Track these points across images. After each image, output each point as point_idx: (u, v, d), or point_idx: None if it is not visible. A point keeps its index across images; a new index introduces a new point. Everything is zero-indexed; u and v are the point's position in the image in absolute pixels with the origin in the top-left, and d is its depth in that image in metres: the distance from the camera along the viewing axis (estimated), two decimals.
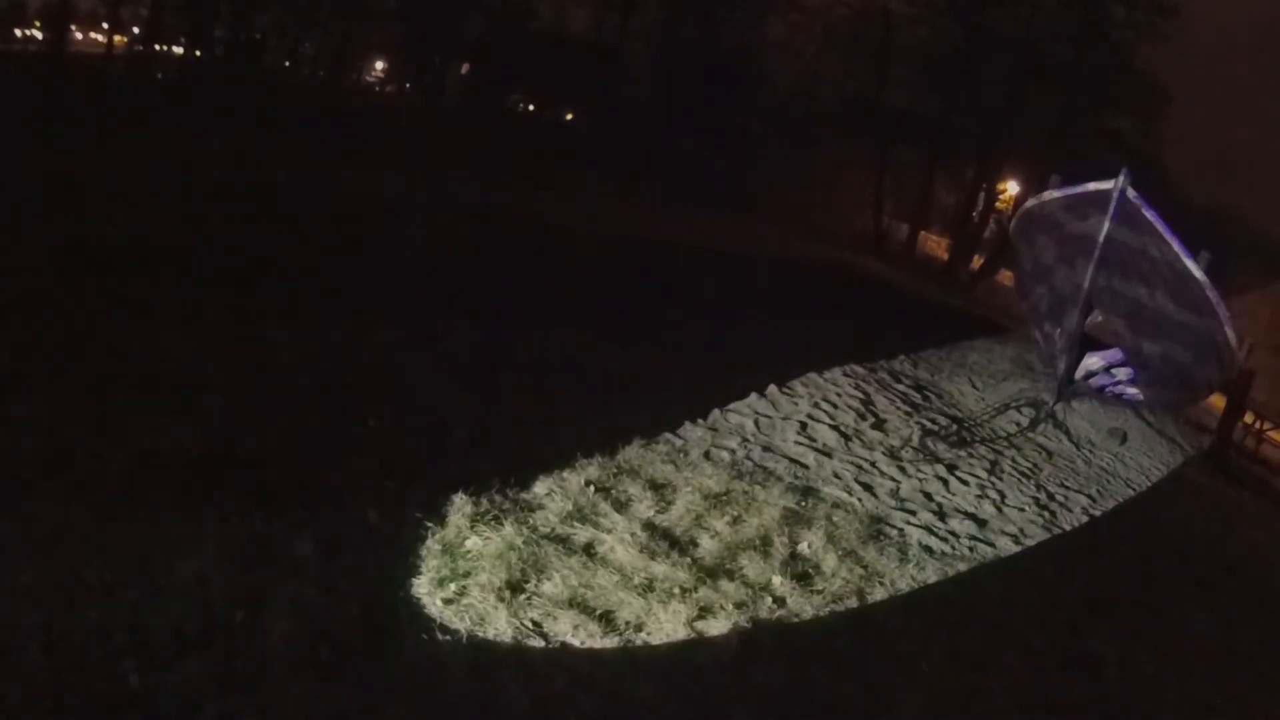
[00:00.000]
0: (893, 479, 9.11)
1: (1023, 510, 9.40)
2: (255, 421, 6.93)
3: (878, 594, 6.78)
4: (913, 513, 8.41)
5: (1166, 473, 13.01)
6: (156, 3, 38.49)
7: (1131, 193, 12.73)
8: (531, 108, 42.04)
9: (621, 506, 6.89)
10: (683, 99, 33.39)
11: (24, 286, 8.65)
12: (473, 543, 5.98)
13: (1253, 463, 19.83)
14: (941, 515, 8.58)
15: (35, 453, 5.87)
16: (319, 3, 38.00)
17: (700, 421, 9.08)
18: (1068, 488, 10.61)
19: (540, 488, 6.84)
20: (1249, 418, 21.37)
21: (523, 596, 5.60)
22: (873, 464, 9.33)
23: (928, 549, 7.74)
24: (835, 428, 9.95)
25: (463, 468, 6.77)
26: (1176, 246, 12.84)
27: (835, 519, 7.64)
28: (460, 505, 6.30)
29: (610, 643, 5.44)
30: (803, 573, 6.67)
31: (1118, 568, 9.06)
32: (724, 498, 7.44)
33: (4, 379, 6.72)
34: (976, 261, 35.69)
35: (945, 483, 9.43)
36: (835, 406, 10.64)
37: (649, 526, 6.68)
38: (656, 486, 7.35)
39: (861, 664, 5.91)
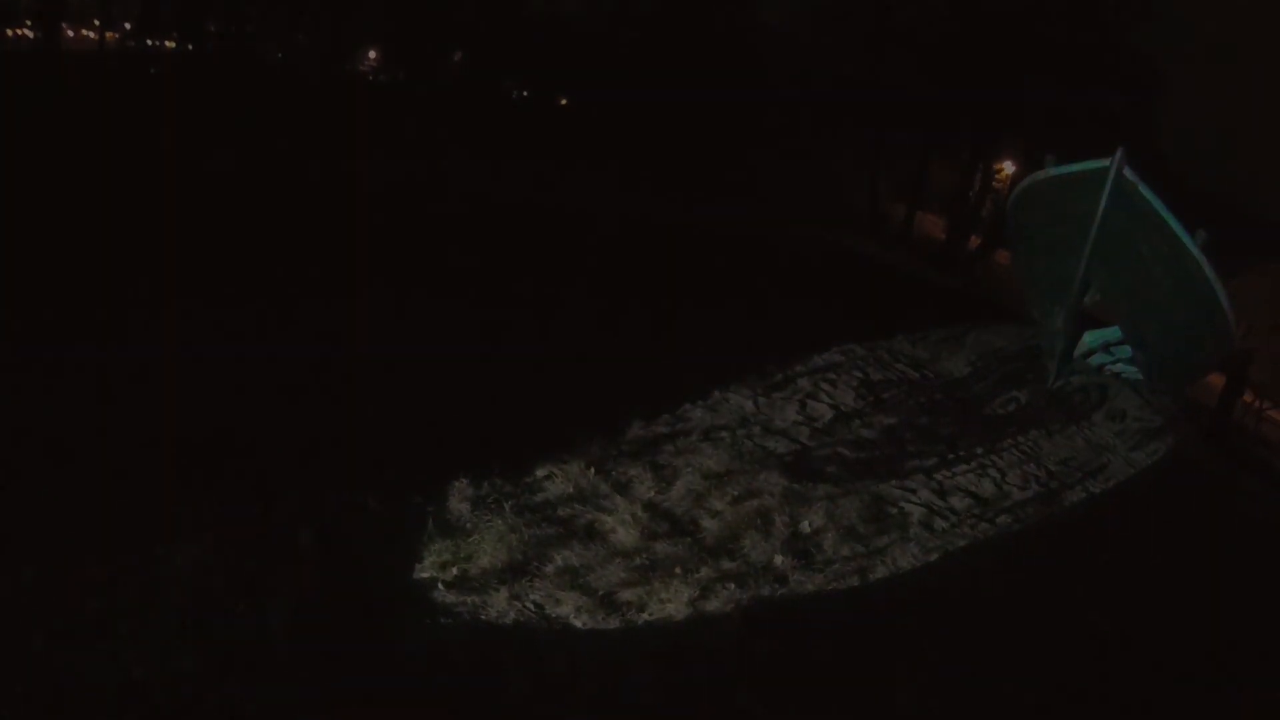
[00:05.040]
0: (892, 457, 9.12)
1: (1022, 488, 9.41)
2: (255, 408, 6.92)
3: (879, 571, 6.80)
4: (913, 490, 8.42)
5: (1165, 451, 12.99)
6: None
7: (1128, 171, 12.68)
8: (525, 94, 41.90)
9: (622, 488, 6.90)
10: (677, 83, 33.26)
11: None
12: (474, 526, 5.99)
13: (1252, 442, 19.84)
14: (941, 493, 8.59)
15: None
16: None
17: (700, 402, 9.08)
18: (1067, 465, 10.61)
19: (540, 470, 6.85)
20: (1248, 397, 21.36)
21: (524, 579, 5.62)
22: (872, 442, 9.33)
23: (928, 526, 7.75)
24: (834, 406, 9.96)
25: (463, 451, 6.76)
26: (1173, 225, 12.80)
27: (835, 497, 7.65)
28: (461, 489, 6.31)
29: (612, 624, 5.45)
30: (804, 551, 6.68)
31: (1117, 545, 9.06)
32: (724, 478, 7.45)
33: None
34: (974, 241, 35.62)
35: (945, 460, 9.43)
36: (834, 385, 10.65)
37: (650, 507, 6.70)
38: (657, 467, 7.37)
39: (863, 641, 5.93)
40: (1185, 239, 12.82)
